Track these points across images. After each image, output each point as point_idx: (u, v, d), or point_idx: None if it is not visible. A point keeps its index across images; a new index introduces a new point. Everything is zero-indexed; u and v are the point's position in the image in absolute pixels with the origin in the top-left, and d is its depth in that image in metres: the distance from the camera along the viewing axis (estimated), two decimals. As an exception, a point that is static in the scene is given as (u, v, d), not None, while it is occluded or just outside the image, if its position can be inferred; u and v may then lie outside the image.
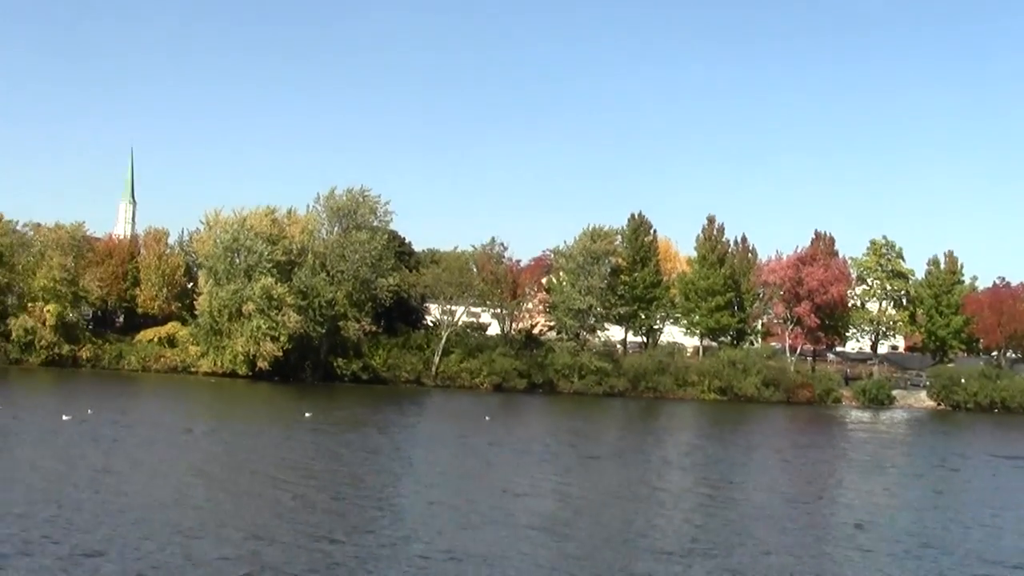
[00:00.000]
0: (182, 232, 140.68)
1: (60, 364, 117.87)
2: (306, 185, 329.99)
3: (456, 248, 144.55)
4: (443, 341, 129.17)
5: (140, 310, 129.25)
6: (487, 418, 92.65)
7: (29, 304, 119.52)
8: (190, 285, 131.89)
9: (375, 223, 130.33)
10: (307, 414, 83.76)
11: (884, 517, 52.15)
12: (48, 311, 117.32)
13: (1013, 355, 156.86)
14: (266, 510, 44.32)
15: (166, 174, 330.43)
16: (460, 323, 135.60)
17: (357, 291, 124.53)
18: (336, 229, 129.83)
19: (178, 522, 40.30)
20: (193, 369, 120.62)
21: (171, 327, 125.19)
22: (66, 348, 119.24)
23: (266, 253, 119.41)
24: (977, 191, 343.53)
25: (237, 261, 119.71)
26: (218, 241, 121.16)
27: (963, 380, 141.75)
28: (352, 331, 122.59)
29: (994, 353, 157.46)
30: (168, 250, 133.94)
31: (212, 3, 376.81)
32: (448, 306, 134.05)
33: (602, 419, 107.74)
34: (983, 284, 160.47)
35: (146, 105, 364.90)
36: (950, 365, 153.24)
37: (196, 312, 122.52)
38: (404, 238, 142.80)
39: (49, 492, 44.63)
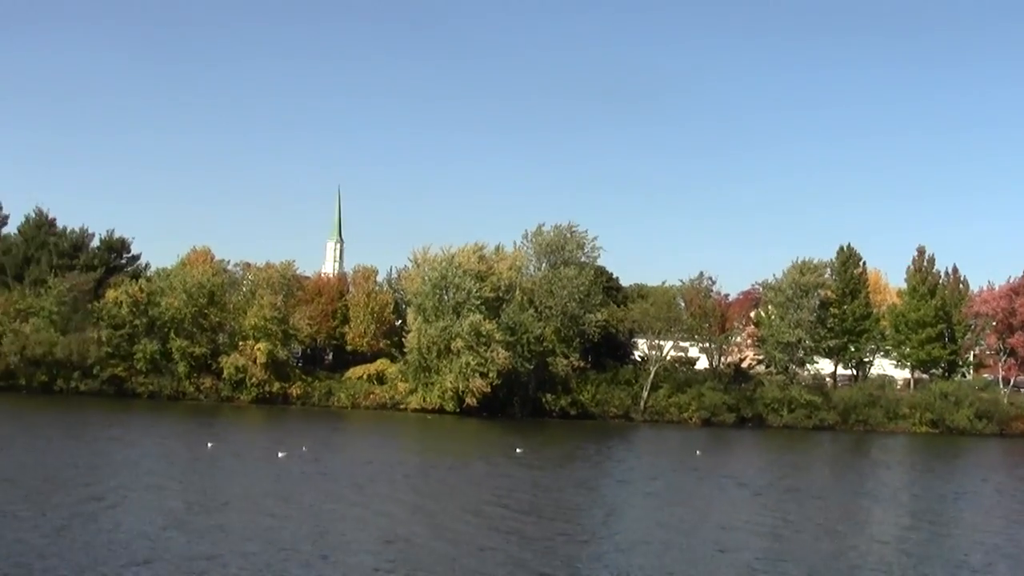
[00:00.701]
0: (390, 270, 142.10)
1: (270, 401, 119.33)
2: (511, 222, 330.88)
3: (664, 282, 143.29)
4: (651, 376, 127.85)
5: (349, 347, 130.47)
6: (697, 452, 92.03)
7: (240, 342, 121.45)
8: (398, 322, 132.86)
9: (582, 259, 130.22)
10: (518, 449, 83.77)
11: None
12: (259, 349, 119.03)
13: None
14: (483, 545, 44.25)
15: (372, 214, 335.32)
16: (668, 357, 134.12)
17: (565, 327, 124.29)
18: (544, 265, 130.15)
19: (398, 558, 40.45)
20: (402, 406, 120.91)
21: (380, 364, 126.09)
22: (276, 386, 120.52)
23: (474, 290, 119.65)
24: None
25: (446, 298, 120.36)
26: (426, 278, 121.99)
27: None
28: (560, 367, 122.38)
29: None
30: (376, 288, 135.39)
31: (414, 41, 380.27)
32: (656, 340, 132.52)
33: (814, 453, 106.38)
34: None
35: (353, 145, 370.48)
36: None
37: (405, 349, 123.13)
38: (611, 273, 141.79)
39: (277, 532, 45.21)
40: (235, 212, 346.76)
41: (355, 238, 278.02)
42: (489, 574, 38.95)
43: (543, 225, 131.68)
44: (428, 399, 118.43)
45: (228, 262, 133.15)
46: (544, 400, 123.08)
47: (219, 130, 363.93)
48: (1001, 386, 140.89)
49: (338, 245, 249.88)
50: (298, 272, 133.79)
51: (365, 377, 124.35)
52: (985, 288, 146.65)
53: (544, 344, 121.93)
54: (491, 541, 45.58)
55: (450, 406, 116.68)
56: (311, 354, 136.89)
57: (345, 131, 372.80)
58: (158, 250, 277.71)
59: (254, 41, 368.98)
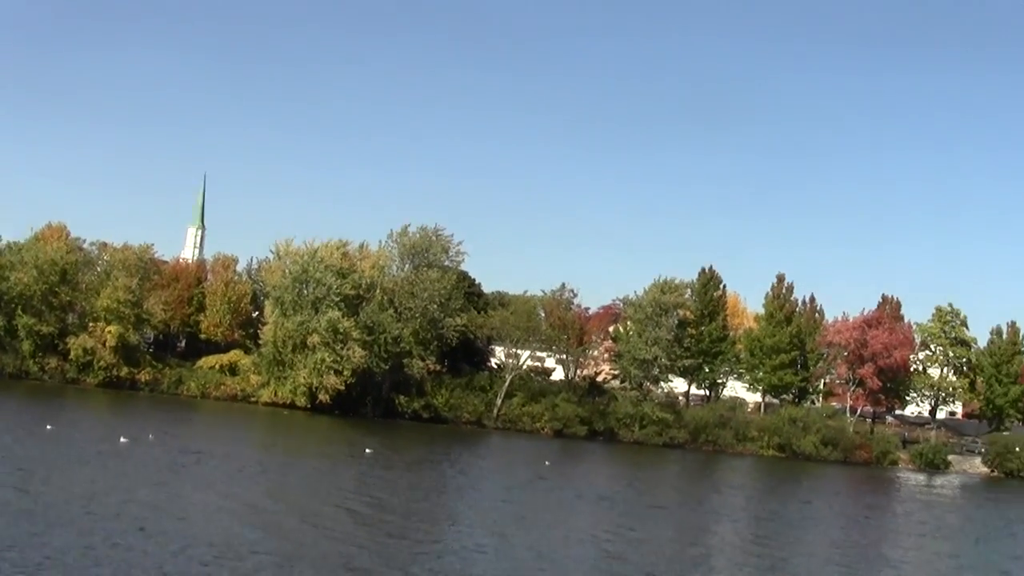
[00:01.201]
0: (251, 260, 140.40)
1: (117, 386, 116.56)
2: (378, 220, 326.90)
3: (526, 292, 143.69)
4: (506, 384, 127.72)
5: (203, 336, 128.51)
6: (547, 463, 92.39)
7: (91, 324, 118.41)
8: (255, 314, 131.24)
9: (446, 262, 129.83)
10: (368, 450, 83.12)
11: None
12: (109, 332, 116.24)
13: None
14: (324, 548, 43.64)
15: (237, 202, 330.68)
16: (524, 367, 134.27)
17: (424, 329, 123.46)
18: (407, 266, 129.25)
19: (227, 554, 39.73)
20: (253, 399, 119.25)
21: (233, 355, 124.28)
22: (125, 370, 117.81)
23: (335, 286, 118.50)
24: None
25: (305, 292, 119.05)
26: (287, 271, 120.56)
27: (1018, 448, 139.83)
28: (416, 369, 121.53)
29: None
30: (235, 277, 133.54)
31: (291, 35, 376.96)
32: (514, 349, 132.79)
33: (662, 469, 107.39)
34: None
35: (221, 133, 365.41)
36: (1006, 433, 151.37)
37: (260, 341, 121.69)
38: (474, 279, 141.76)
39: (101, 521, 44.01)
40: (95, 190, 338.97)
41: (218, 227, 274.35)
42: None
43: (409, 226, 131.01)
44: (280, 393, 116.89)
45: (84, 241, 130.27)
46: (397, 401, 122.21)
47: (90, 112, 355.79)
48: (848, 415, 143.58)
49: (199, 232, 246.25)
50: (156, 256, 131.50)
51: (217, 367, 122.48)
52: (840, 319, 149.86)
53: (401, 345, 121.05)
54: (330, 544, 45.05)
55: (302, 402, 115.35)
56: (163, 340, 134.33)
57: (213, 120, 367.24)
58: (10, 224, 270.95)
59: (131, 26, 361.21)
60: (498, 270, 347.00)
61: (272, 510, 52.20)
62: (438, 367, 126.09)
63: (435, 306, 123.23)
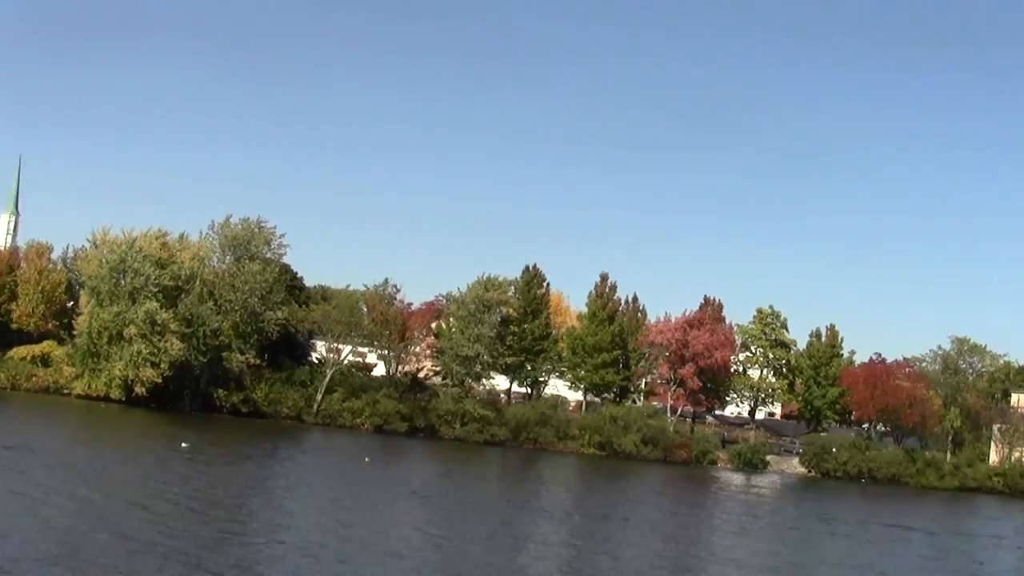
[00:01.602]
0: (67, 248, 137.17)
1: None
2: (200, 213, 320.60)
3: (348, 286, 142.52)
4: (327, 379, 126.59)
5: (14, 326, 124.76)
6: (366, 459, 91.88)
7: None
8: (70, 304, 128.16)
9: (268, 255, 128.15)
10: (184, 444, 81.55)
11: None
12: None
13: (883, 428, 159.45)
14: (128, 539, 42.74)
15: (55, 188, 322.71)
16: (346, 362, 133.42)
17: (244, 322, 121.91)
18: (228, 258, 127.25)
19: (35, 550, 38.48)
20: (66, 391, 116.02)
21: (46, 345, 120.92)
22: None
23: (153, 277, 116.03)
24: (859, 267, 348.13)
25: (122, 283, 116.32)
26: (104, 261, 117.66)
27: (834, 449, 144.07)
28: (235, 362, 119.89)
29: (865, 425, 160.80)
30: (50, 266, 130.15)
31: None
32: (335, 344, 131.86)
33: (482, 467, 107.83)
34: (860, 359, 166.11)
35: (39, 115, 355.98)
36: (823, 434, 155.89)
37: (74, 332, 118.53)
38: (296, 272, 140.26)
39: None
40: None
41: (34, 213, 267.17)
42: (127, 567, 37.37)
43: (231, 217, 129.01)
44: (94, 386, 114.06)
45: None
46: (216, 395, 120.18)
47: None
48: (669, 414, 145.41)
49: (13, 218, 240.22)
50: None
51: (29, 358, 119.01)
52: (662, 319, 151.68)
53: (221, 338, 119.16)
54: (133, 532, 44.09)
55: (117, 394, 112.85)
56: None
57: (35, 100, 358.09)
58: None
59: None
60: (321, 264, 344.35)
61: (83, 505, 50.82)
62: (258, 361, 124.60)
63: (256, 299, 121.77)
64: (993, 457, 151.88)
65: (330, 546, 47.92)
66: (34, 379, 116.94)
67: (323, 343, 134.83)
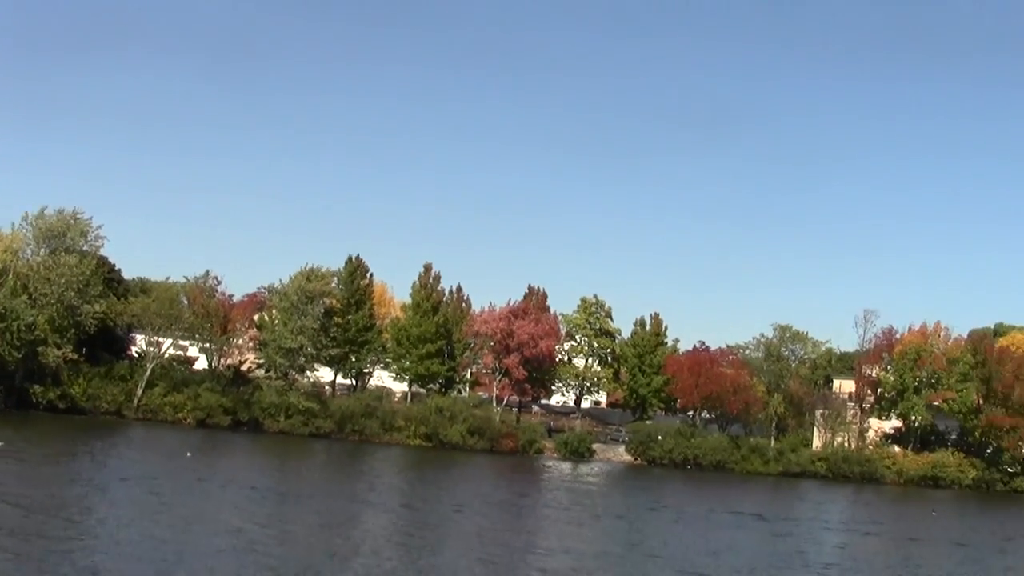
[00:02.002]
0: None
1: None
2: (14, 204, 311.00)
3: (168, 278, 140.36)
4: (147, 373, 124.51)
5: None
6: (188, 454, 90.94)
7: None
8: None
9: (85, 247, 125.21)
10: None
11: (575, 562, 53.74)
12: None
13: (708, 415, 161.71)
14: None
15: None
16: (167, 355, 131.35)
17: (60, 316, 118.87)
18: (43, 251, 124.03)
19: None
20: None
21: None
22: None
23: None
24: (685, 256, 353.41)
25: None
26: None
27: (660, 437, 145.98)
28: (52, 357, 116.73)
29: (690, 412, 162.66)
30: None
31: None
32: (155, 337, 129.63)
33: (308, 460, 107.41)
34: (684, 347, 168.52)
35: None
36: (648, 422, 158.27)
37: None
38: (114, 265, 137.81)
39: None
40: None
41: None
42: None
43: (46, 208, 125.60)
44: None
45: None
46: (32, 391, 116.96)
47: None
48: (495, 404, 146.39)
49: None
50: None
51: None
52: (487, 309, 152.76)
53: (36, 333, 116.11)
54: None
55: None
56: None
57: None
58: None
59: None
60: (141, 256, 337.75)
61: None
62: (76, 356, 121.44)
63: (72, 292, 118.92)
64: (816, 442, 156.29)
65: (149, 544, 47.27)
66: None
67: (143, 337, 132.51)
